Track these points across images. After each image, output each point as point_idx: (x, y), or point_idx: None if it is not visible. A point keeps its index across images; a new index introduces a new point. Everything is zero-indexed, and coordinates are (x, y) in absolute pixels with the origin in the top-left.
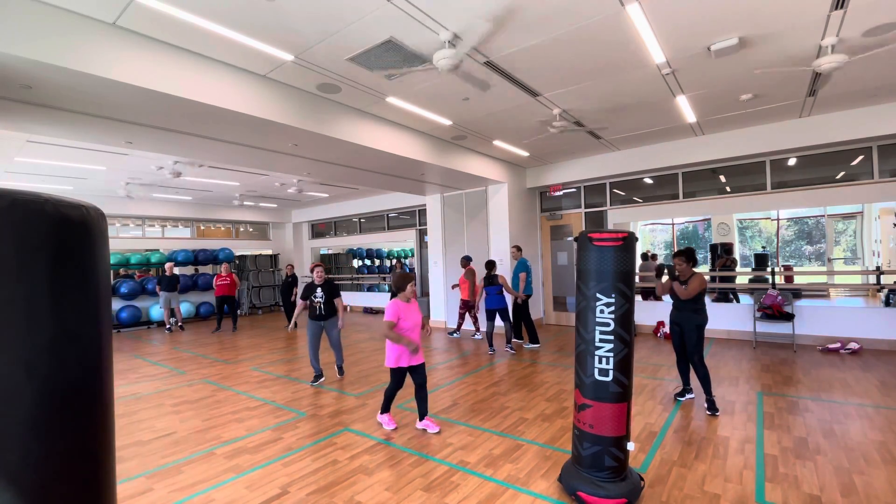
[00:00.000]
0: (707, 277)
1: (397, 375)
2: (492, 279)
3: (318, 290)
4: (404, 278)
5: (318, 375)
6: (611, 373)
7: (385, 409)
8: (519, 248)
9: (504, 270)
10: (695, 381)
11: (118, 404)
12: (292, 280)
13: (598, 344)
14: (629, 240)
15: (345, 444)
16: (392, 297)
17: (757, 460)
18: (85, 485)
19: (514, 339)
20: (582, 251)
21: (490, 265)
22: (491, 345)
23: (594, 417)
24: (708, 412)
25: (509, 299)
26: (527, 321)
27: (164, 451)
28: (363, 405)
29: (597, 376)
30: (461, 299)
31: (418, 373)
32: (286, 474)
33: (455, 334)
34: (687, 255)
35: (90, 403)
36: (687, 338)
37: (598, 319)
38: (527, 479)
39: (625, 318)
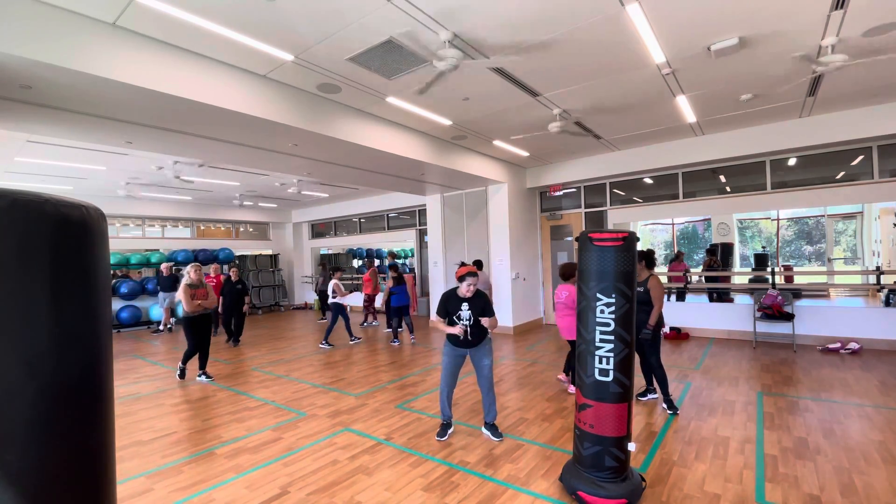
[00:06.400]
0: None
1: None
2: (399, 280)
3: (465, 305)
4: (572, 266)
5: (447, 425)
6: (611, 373)
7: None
8: (394, 255)
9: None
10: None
11: (118, 404)
12: (241, 288)
13: (598, 344)
14: (629, 240)
15: (345, 444)
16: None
17: (757, 460)
18: (85, 484)
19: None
20: (582, 251)
21: (394, 268)
22: (395, 336)
23: (595, 417)
24: (668, 412)
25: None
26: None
27: (164, 451)
28: (363, 405)
29: (597, 376)
30: (365, 294)
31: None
32: (286, 474)
33: (365, 324)
34: (639, 255)
35: (90, 403)
36: (644, 339)
37: (598, 319)
38: (527, 479)
39: (625, 318)
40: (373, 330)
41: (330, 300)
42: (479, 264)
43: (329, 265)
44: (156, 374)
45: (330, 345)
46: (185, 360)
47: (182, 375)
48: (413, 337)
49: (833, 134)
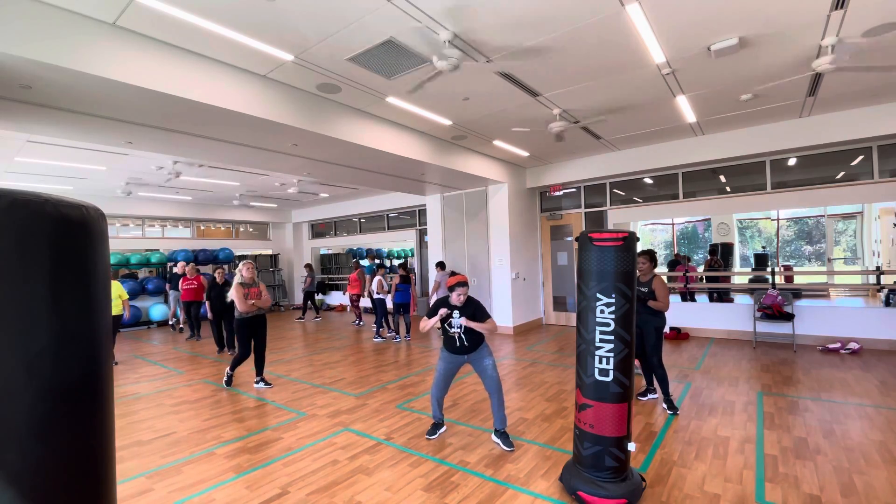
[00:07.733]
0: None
1: None
2: (406, 279)
3: (456, 312)
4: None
5: (438, 424)
6: (611, 373)
7: None
8: (372, 256)
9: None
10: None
11: (118, 404)
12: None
13: (598, 344)
14: (629, 240)
15: (345, 444)
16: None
17: (757, 460)
18: (85, 485)
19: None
20: (582, 251)
21: (403, 266)
22: (396, 332)
23: (595, 417)
24: (668, 412)
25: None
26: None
27: (164, 451)
28: (363, 405)
29: (597, 376)
30: (352, 294)
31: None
32: (286, 474)
33: (357, 322)
34: (650, 256)
35: (90, 403)
36: (646, 340)
37: (598, 319)
38: (527, 479)
39: (625, 318)
40: (361, 329)
41: (375, 296)
42: (441, 265)
43: (373, 266)
44: (156, 374)
45: (384, 337)
46: (234, 367)
47: (229, 382)
48: (408, 335)
49: (833, 134)
